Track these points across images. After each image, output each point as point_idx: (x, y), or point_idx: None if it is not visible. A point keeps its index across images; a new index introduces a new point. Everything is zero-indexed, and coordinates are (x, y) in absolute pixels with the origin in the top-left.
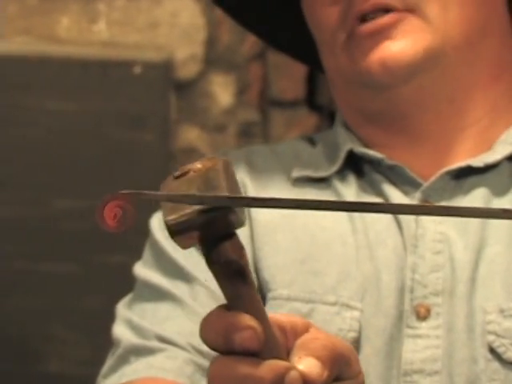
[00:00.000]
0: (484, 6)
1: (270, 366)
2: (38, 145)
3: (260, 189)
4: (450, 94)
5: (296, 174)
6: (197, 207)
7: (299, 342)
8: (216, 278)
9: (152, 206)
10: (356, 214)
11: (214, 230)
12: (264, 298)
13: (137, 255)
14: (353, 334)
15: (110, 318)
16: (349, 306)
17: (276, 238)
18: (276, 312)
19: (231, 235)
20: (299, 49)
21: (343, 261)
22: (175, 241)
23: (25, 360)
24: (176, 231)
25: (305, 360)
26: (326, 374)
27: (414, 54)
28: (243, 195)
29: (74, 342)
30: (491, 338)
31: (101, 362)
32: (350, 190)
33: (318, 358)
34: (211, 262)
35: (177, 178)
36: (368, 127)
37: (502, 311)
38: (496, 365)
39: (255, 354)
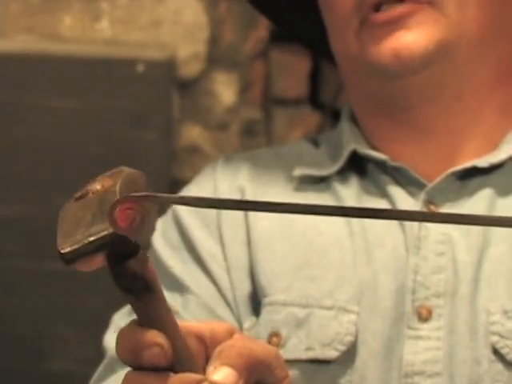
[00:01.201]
0: (500, 6)
1: (180, 380)
2: (40, 143)
3: (260, 191)
4: (459, 90)
5: (297, 172)
6: (89, 237)
7: (216, 350)
8: (125, 295)
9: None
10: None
11: (115, 251)
12: (259, 304)
13: None
14: (349, 338)
15: None
16: (346, 310)
17: (273, 245)
18: (272, 317)
19: (135, 253)
20: (308, 35)
21: (340, 265)
22: (76, 267)
23: (28, 358)
24: (70, 260)
25: (219, 370)
26: (241, 382)
27: (426, 45)
28: (246, 199)
29: (77, 340)
30: (495, 338)
31: None
32: (350, 190)
33: (232, 366)
34: (116, 281)
35: (77, 199)
36: (375, 116)
37: (505, 312)
38: (499, 366)
39: (167, 369)
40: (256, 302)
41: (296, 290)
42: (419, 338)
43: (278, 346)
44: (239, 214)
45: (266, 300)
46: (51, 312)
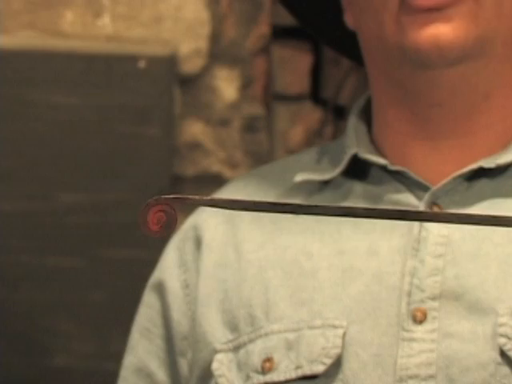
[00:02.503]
0: None
1: None
2: (42, 139)
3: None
4: (488, 89)
5: (298, 178)
6: None
7: None
8: None
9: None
10: (347, 228)
11: None
12: (253, 332)
13: (143, 249)
14: (335, 351)
15: (116, 312)
16: (334, 326)
17: (267, 276)
18: (266, 345)
19: None
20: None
21: (329, 285)
22: None
23: (30, 354)
24: None
25: None
26: None
27: (466, 38)
28: (284, 202)
29: (79, 336)
30: (502, 340)
31: (106, 356)
32: (353, 194)
33: None
34: None
35: None
36: (397, 108)
37: None
38: (506, 369)
39: None
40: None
41: (289, 318)
42: (413, 340)
43: (270, 370)
44: (229, 248)
45: (261, 331)
46: (53, 307)
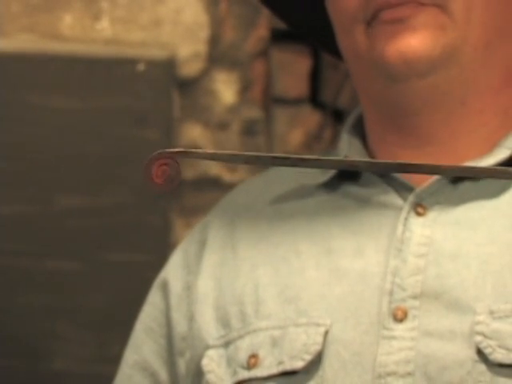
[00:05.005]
0: (506, 9)
1: None
2: (42, 142)
3: (252, 211)
4: (463, 95)
5: (293, 183)
6: None
7: None
8: None
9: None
10: (336, 229)
11: None
12: (242, 328)
13: (142, 253)
14: (316, 347)
15: (115, 316)
16: (317, 324)
17: (258, 274)
18: (253, 341)
19: None
20: (317, 32)
21: (316, 284)
22: None
23: (29, 358)
24: None
25: None
26: None
27: (432, 49)
28: (287, 155)
29: (78, 339)
30: (479, 338)
31: (105, 360)
32: (346, 195)
33: None
34: None
35: None
36: (379, 120)
37: (491, 313)
38: (482, 367)
39: None
40: (241, 327)
41: (277, 316)
42: (393, 338)
43: (255, 365)
44: (228, 248)
45: (250, 328)
46: (52, 311)
